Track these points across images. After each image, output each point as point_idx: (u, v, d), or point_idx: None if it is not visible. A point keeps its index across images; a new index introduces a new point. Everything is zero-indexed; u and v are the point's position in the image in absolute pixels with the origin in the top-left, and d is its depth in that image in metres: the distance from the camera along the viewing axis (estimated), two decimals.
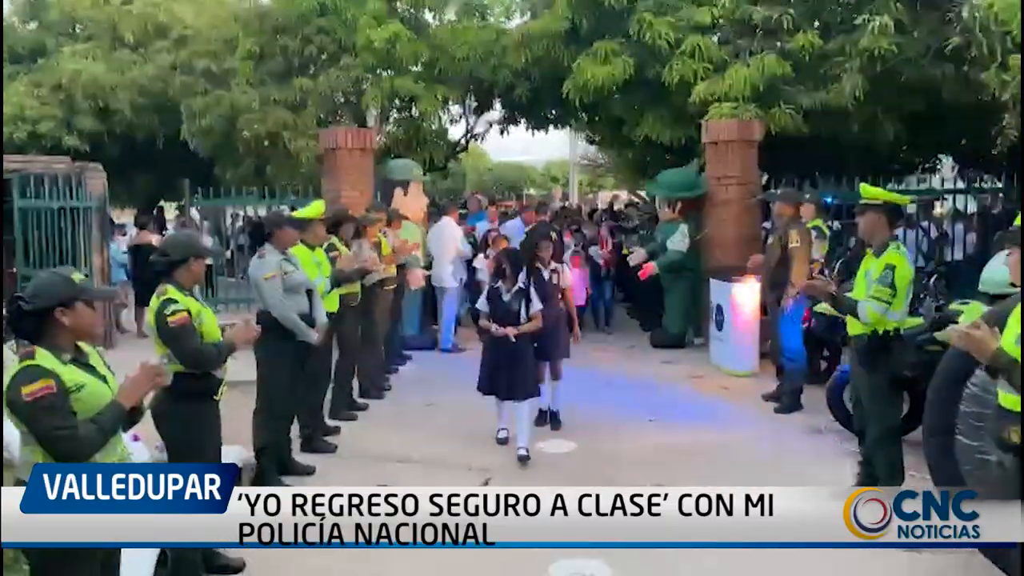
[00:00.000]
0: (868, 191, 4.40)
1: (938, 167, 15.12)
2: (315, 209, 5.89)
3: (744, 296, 7.67)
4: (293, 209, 7.78)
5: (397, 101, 12.46)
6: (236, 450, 4.72)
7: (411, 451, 5.71)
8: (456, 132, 14.40)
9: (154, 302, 3.56)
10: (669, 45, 9.75)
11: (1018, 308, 2.95)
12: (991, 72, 7.56)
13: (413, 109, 12.46)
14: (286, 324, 4.90)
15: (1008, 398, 2.89)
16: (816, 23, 9.70)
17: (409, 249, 8.01)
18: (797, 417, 6.39)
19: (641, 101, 10.61)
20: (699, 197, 9.27)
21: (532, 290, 5.57)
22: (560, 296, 6.09)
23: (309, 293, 5.18)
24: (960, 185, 11.75)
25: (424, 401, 7.04)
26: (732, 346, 7.88)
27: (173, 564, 3.53)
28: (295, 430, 5.50)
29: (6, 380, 2.49)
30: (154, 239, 12.12)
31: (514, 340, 5.36)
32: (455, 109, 13.49)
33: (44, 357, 2.52)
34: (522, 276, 5.65)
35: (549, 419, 6.25)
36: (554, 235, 6.69)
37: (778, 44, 9.76)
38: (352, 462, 5.52)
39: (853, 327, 4.40)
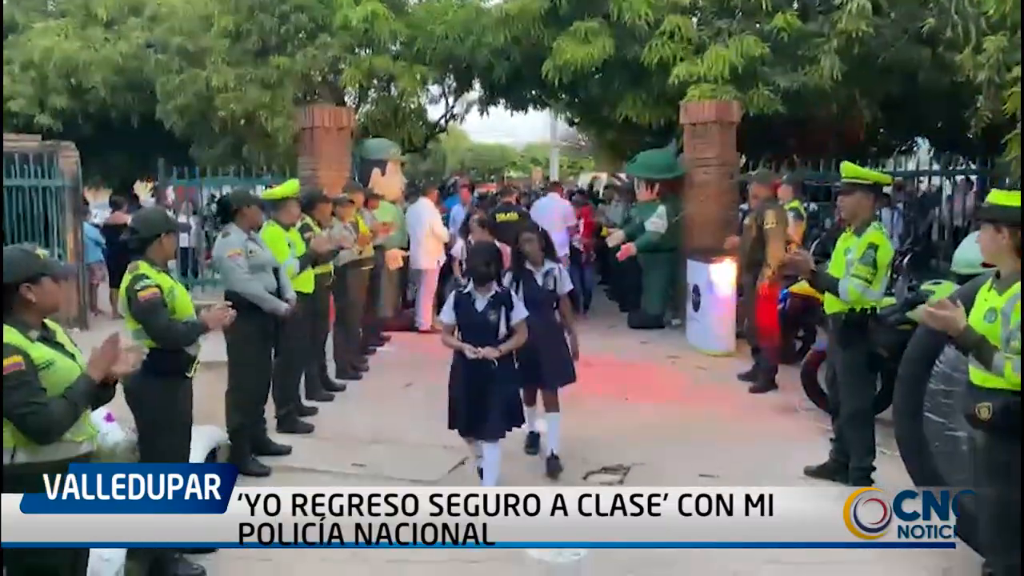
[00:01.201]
0: (851, 170, 4.42)
1: (915, 149, 15.28)
2: (288, 188, 5.84)
3: (721, 277, 7.72)
4: (269, 188, 7.71)
5: (375, 80, 12.36)
6: (211, 430, 4.70)
7: (387, 431, 5.70)
8: (435, 112, 14.33)
9: (126, 278, 3.54)
10: (648, 25, 9.72)
11: (985, 286, 2.99)
12: (966, 54, 7.61)
13: (391, 88, 12.36)
14: (252, 300, 4.81)
15: (978, 375, 2.93)
16: (794, 4, 9.73)
17: (384, 230, 7.96)
18: (772, 396, 6.47)
19: (620, 82, 10.57)
20: (677, 178, 9.30)
21: (515, 295, 4.51)
22: (556, 305, 4.97)
23: (276, 272, 5.11)
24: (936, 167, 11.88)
25: (401, 382, 7.02)
26: (709, 326, 7.94)
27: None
28: (271, 410, 5.48)
29: None
30: (128, 219, 11.98)
31: (495, 364, 4.24)
32: (434, 89, 13.41)
33: (11, 334, 2.49)
34: (506, 279, 4.73)
35: (547, 463, 4.94)
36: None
37: (757, 25, 9.78)
38: (328, 442, 5.52)
39: (831, 305, 4.44)
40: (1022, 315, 2.79)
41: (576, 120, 15.72)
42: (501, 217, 8.38)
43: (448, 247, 9.26)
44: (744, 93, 9.36)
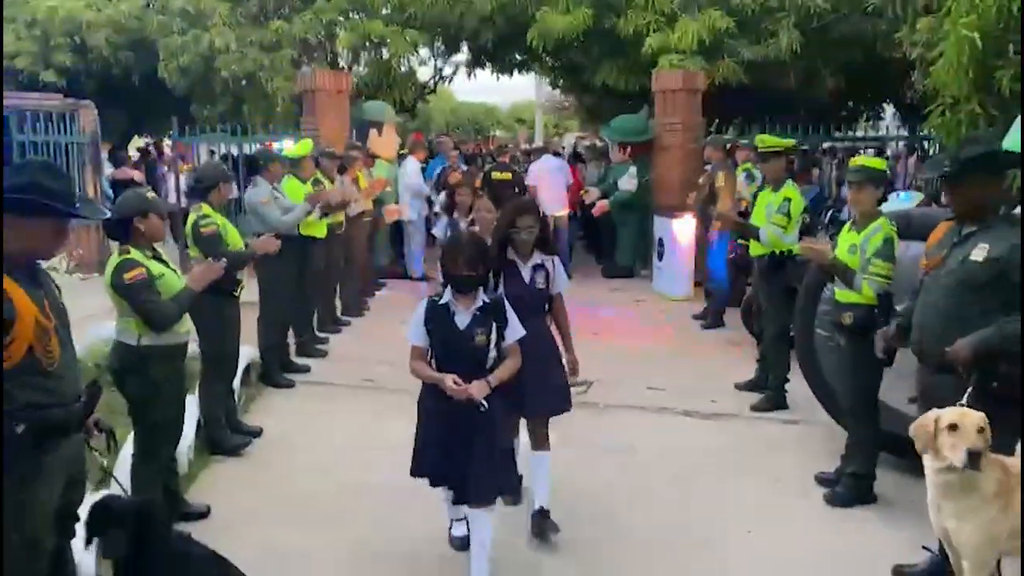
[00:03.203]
0: (767, 140, 5.37)
1: (882, 115, 16.18)
2: (305, 147, 6.71)
3: (682, 230, 8.68)
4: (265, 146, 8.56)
5: (368, 43, 13.07)
6: (246, 349, 5.65)
7: (389, 356, 6.57)
8: (424, 74, 15.04)
9: (192, 216, 4.47)
10: None
11: (846, 228, 3.99)
12: (904, 32, 8.50)
13: (383, 51, 13.08)
14: (289, 228, 5.74)
15: (841, 293, 3.95)
16: None
17: (382, 185, 8.81)
18: (719, 332, 7.51)
19: (599, 50, 11.35)
20: (648, 141, 10.18)
21: (508, 307, 3.34)
22: (547, 309, 3.88)
23: None
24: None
25: (398, 319, 7.91)
26: (671, 274, 8.93)
27: (206, 420, 4.51)
28: (291, 338, 6.42)
29: (108, 270, 3.40)
30: (135, 174, 12.79)
31: (485, 405, 3.14)
32: (424, 52, 14.13)
33: (135, 253, 3.42)
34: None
35: (534, 523, 3.78)
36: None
37: None
38: (340, 363, 6.49)
39: (755, 249, 5.42)
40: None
41: (559, 84, 16.51)
42: (497, 176, 8.99)
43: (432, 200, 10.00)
44: (711, 63, 10.20)
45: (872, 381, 3.92)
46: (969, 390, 2.88)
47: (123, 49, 14.67)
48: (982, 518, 2.69)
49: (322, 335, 7.04)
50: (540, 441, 3.83)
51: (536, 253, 3.77)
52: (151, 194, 3.60)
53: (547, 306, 3.88)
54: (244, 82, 12.71)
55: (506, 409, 3.42)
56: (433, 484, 3.41)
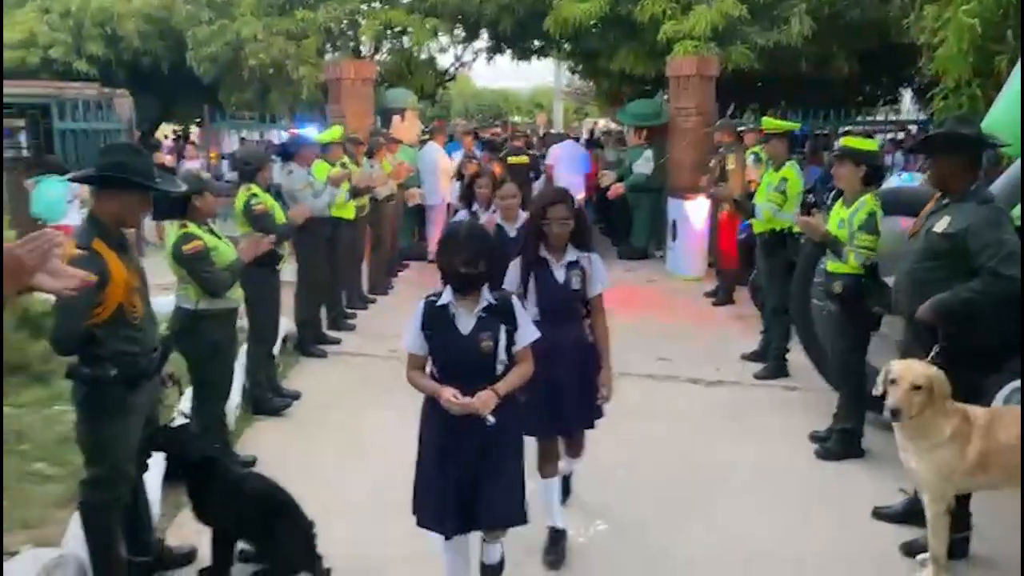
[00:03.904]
0: (769, 123, 5.68)
1: (899, 99, 16.34)
2: (334, 133, 7.10)
3: (694, 211, 9.00)
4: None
5: (389, 32, 13.44)
6: (284, 321, 6.08)
7: None
8: (444, 61, 15.39)
9: (242, 195, 4.91)
10: None
11: (838, 204, 4.32)
12: (912, 18, 8.73)
13: (405, 39, 13.44)
14: (322, 210, 6.11)
15: (832, 264, 4.29)
16: None
17: (406, 170, 9.17)
18: (729, 308, 7.84)
19: (616, 36, 11.65)
20: (663, 125, 10.47)
21: (518, 306, 2.90)
22: (585, 312, 3.42)
23: None
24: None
25: (421, 297, 8.35)
26: (683, 254, 9.25)
27: (251, 383, 4.94)
28: (323, 313, 6.84)
29: (169, 243, 3.81)
30: (167, 160, 13.27)
31: (492, 421, 2.69)
32: (444, 39, 14.47)
33: (192, 227, 3.83)
34: (513, 274, 3.29)
35: (549, 536, 3.50)
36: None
37: None
38: (367, 337, 6.90)
39: (757, 226, 5.76)
40: None
41: (577, 69, 16.78)
42: (513, 160, 9.24)
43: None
44: (724, 50, 10.47)
45: (859, 343, 4.26)
46: (935, 349, 3.22)
47: (153, 39, 15.17)
48: (936, 458, 3.06)
49: (351, 311, 7.45)
50: (577, 448, 3.62)
51: (571, 249, 3.34)
52: (205, 175, 4.01)
53: (584, 309, 3.40)
54: (271, 70, 13.12)
55: (544, 431, 3.22)
56: (445, 531, 2.84)
